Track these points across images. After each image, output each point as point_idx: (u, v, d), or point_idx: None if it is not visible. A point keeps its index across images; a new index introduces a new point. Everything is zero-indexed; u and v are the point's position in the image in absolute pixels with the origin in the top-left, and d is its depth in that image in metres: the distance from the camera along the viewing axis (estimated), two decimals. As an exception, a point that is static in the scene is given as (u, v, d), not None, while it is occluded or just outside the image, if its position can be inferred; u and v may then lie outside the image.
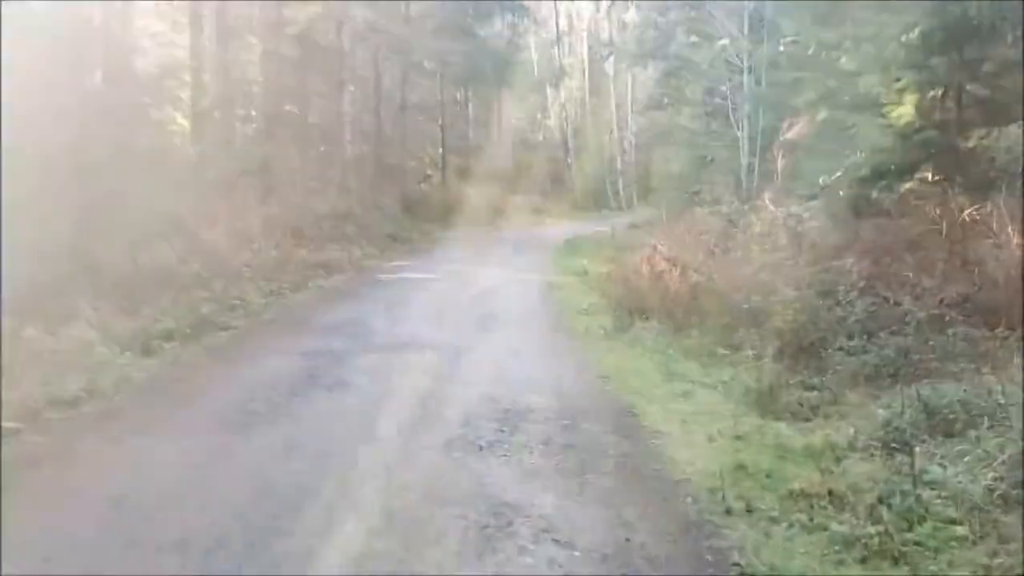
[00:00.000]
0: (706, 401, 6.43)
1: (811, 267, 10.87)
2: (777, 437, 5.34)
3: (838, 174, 13.97)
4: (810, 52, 16.40)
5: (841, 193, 14.34)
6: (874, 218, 11.86)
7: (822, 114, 15.81)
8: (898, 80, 11.48)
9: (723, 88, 24.15)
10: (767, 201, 15.09)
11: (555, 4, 39.74)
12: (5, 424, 4.89)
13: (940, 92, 11.39)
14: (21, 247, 7.10)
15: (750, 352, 8.47)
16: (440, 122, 30.87)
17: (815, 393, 7.12)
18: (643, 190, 45.61)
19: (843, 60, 15.33)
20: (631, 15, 37.86)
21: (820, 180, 14.64)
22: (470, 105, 36.03)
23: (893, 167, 11.70)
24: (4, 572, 3.23)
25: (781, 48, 23.38)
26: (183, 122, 19.45)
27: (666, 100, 32.16)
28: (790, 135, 14.85)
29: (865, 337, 8.62)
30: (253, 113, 24.60)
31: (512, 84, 28.21)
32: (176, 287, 10.18)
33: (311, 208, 19.08)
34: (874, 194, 11.62)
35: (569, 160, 41.62)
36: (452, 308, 10.04)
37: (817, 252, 11.63)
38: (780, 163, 14.89)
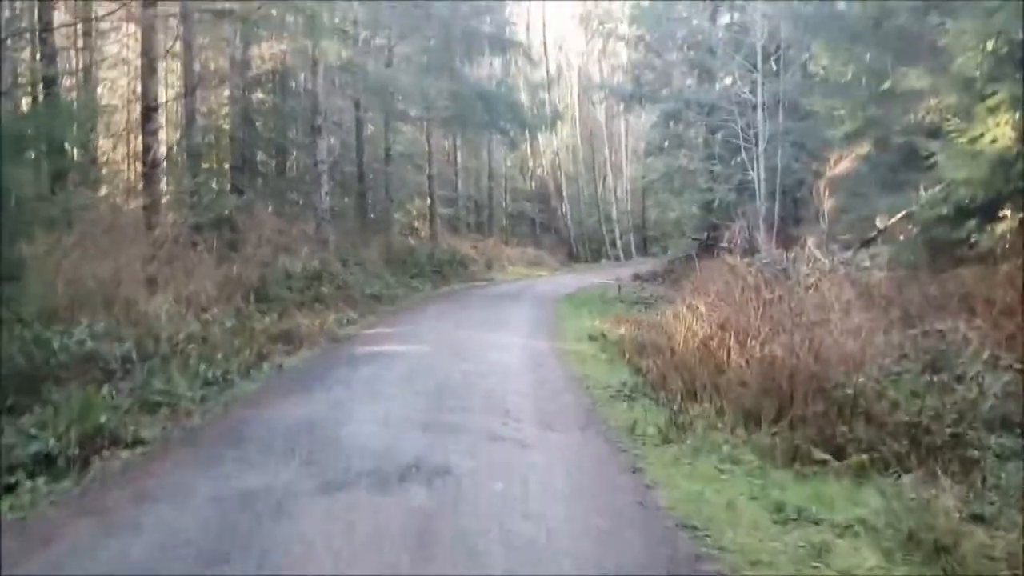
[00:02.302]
0: (858, 563, 4.06)
1: (903, 331, 8.59)
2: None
3: (902, 214, 11.83)
4: (848, 78, 14.34)
5: (901, 237, 12.19)
6: (968, 265, 9.66)
7: (864, 147, 13.74)
8: (987, 97, 9.37)
9: (733, 126, 21.95)
10: (811, 247, 12.88)
11: (544, 44, 38.05)
12: None
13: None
14: None
15: (864, 456, 6.15)
16: (427, 172, 28.81)
17: (992, 529, 4.78)
18: (640, 239, 43.70)
19: (888, 83, 13.31)
20: (623, 57, 36.19)
21: (877, 221, 12.48)
22: (459, 153, 34.03)
23: (985, 202, 9.55)
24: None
25: (800, 77, 21.49)
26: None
27: (666, 143, 30.14)
28: (837, 171, 12.66)
29: (1019, 432, 6.35)
30: (226, 167, 22.49)
31: (503, 129, 26.09)
32: (86, 378, 7.83)
33: (280, 267, 16.74)
34: (973, 237, 9.42)
35: (564, 209, 39.58)
36: (447, 398, 7.62)
37: (900, 309, 9.37)
38: (826, 203, 12.68)
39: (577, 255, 38.58)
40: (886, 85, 13.22)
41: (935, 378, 7.30)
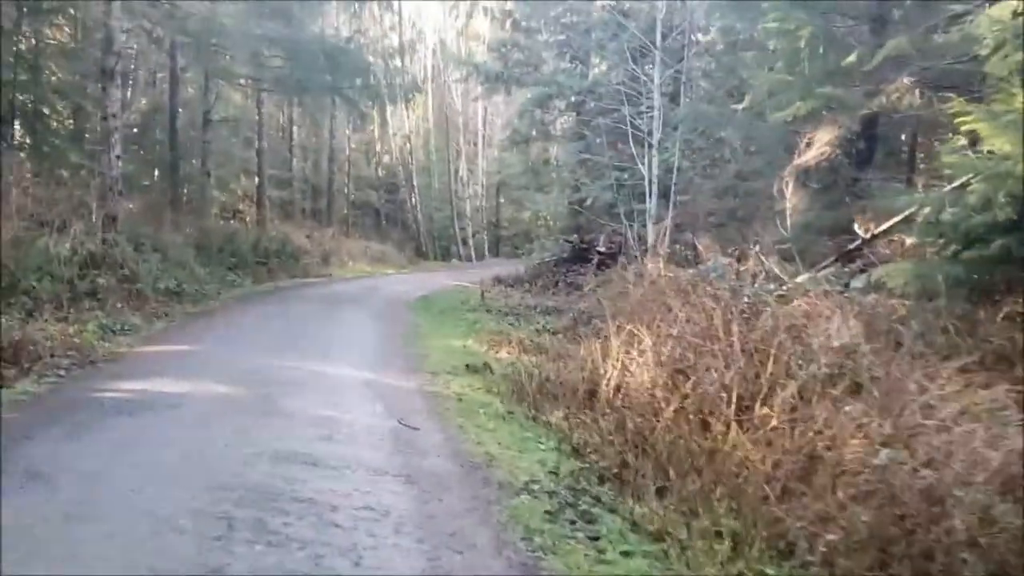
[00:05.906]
0: None
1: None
2: None
3: (898, 218, 8.88)
4: (801, 43, 11.37)
5: (891, 253, 9.30)
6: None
7: (825, 135, 10.81)
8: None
9: (617, 114, 18.78)
10: (765, 259, 9.80)
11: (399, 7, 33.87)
12: None
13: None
14: None
15: None
16: (257, 146, 24.29)
17: None
18: (493, 238, 40.47)
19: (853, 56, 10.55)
20: (487, 35, 32.69)
21: (857, 227, 9.51)
22: (295, 127, 29.50)
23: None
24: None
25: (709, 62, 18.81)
26: None
27: (534, 133, 26.92)
28: (803, 159, 9.60)
29: None
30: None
31: (350, 97, 21.92)
32: None
33: (39, 246, 12.11)
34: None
35: (413, 201, 35.61)
36: (235, 542, 3.79)
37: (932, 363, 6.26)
38: (789, 201, 9.64)
39: (426, 252, 34.84)
40: (851, 58, 10.44)
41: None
